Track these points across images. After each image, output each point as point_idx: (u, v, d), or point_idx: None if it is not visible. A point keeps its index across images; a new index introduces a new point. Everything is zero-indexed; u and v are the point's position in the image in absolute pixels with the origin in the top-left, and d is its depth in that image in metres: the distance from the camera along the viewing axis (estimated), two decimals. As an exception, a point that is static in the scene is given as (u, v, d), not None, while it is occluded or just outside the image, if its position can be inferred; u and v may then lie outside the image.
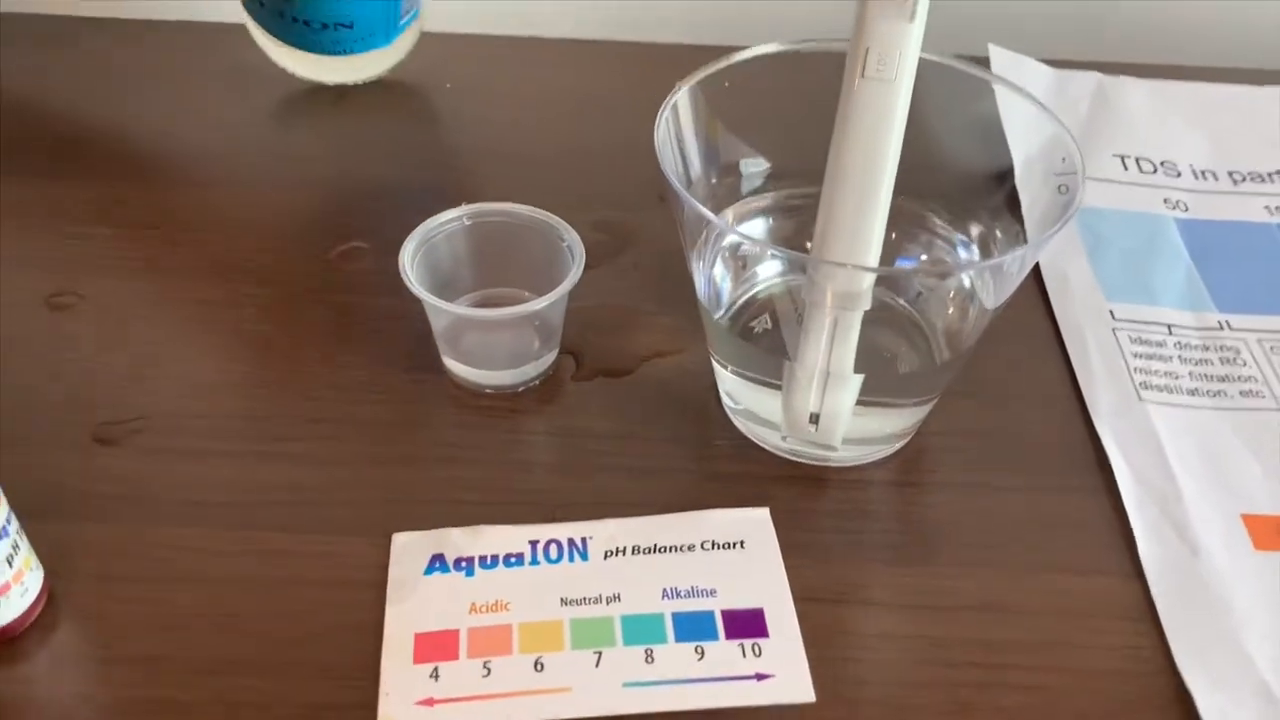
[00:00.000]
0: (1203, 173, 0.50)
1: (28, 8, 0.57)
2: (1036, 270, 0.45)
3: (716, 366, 0.39)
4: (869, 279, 0.34)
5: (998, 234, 0.39)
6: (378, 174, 0.49)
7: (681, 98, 0.37)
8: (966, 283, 0.40)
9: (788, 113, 0.39)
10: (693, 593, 0.34)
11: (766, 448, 0.39)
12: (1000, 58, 0.54)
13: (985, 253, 0.40)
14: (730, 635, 0.33)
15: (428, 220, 0.40)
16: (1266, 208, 0.49)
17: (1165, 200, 0.49)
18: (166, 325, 0.42)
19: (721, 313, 0.39)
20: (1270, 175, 0.50)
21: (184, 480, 0.37)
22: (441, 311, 0.38)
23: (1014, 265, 0.36)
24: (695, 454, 0.39)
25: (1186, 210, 0.48)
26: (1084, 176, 0.35)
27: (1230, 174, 0.50)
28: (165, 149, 0.50)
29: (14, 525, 0.32)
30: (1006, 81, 0.38)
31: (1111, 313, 0.43)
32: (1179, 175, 0.50)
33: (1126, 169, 0.50)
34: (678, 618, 0.33)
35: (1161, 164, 0.50)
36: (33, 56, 0.55)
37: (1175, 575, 0.35)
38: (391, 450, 0.38)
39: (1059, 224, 0.34)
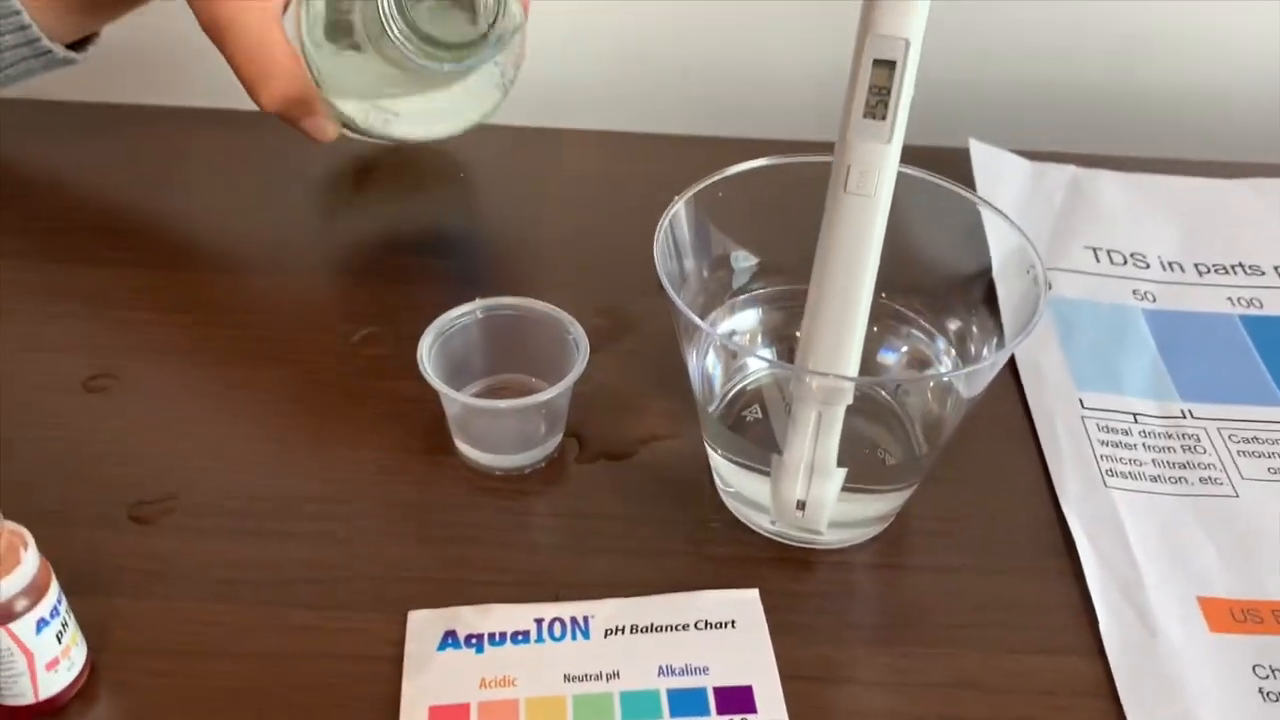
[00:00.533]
0: (1170, 264, 0.53)
1: (70, 95, 0.61)
2: (1011, 360, 0.48)
3: (709, 451, 0.42)
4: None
5: (974, 329, 0.43)
6: (396, 261, 0.52)
7: (679, 209, 0.40)
8: (944, 377, 0.43)
9: (776, 216, 0.43)
10: (687, 670, 0.36)
11: (756, 529, 0.41)
12: (980, 152, 0.57)
13: (962, 346, 0.43)
14: (721, 711, 0.35)
15: (444, 314, 0.43)
16: (1229, 299, 0.52)
17: (1134, 291, 0.52)
18: (197, 407, 0.45)
19: (714, 405, 0.42)
20: (1233, 267, 0.53)
21: (214, 558, 0.40)
22: (455, 401, 0.41)
23: (986, 366, 0.39)
24: (690, 535, 0.42)
25: (1154, 301, 0.51)
26: (1046, 290, 0.38)
27: (1196, 265, 0.53)
28: (200, 236, 0.54)
29: (64, 604, 0.34)
30: (983, 200, 0.41)
31: (1081, 401, 0.46)
32: (1148, 267, 0.53)
33: (1098, 260, 0.53)
34: (673, 694, 0.36)
35: (1131, 255, 0.54)
36: (75, 144, 0.58)
37: (1135, 656, 0.37)
38: (408, 530, 0.41)
39: (1026, 330, 0.37)
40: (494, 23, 0.44)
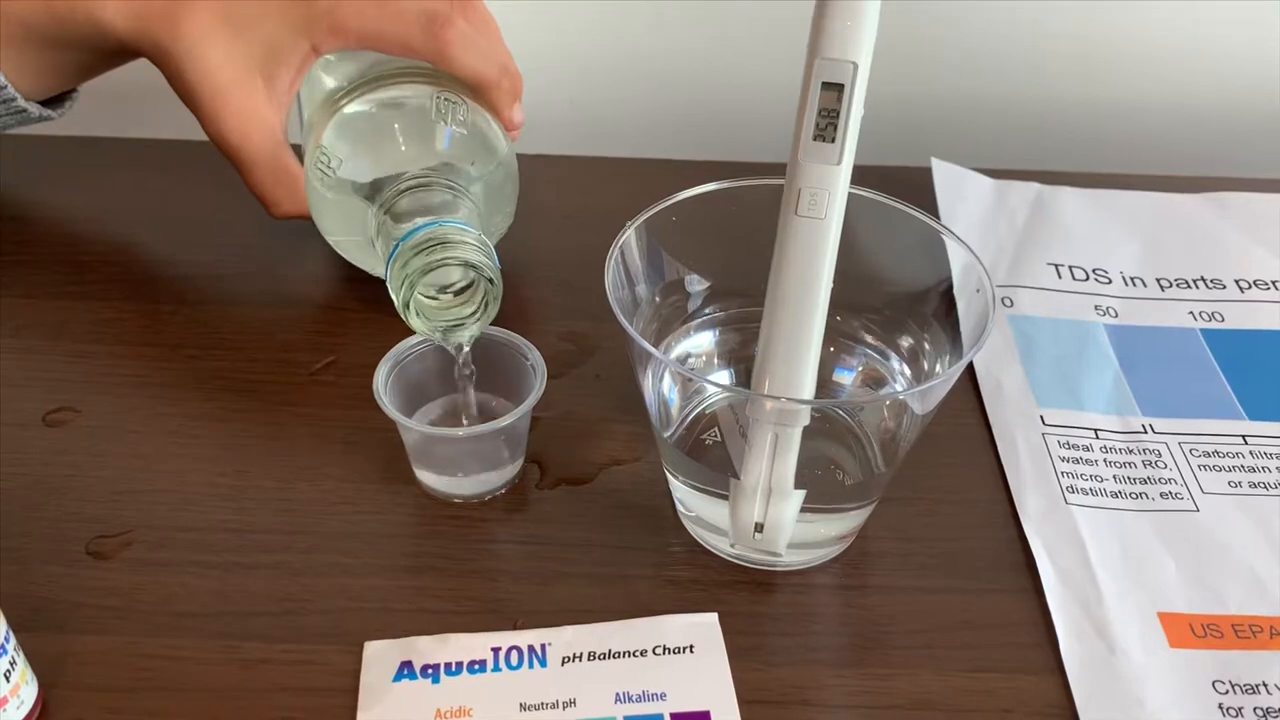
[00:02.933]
0: (1132, 279, 0.54)
1: (28, 129, 0.61)
2: (973, 377, 0.48)
3: (669, 476, 0.42)
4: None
5: (926, 345, 0.43)
6: (357, 290, 0.52)
7: (629, 236, 0.40)
8: (899, 395, 0.43)
9: (730, 239, 0.43)
10: (644, 696, 0.36)
11: (717, 553, 0.41)
12: (942, 170, 0.58)
13: (915, 363, 0.43)
14: (678, 737, 0.35)
15: (400, 343, 0.43)
16: (1190, 313, 0.52)
17: (1096, 307, 0.52)
18: (157, 440, 0.45)
19: (671, 431, 0.42)
20: (1195, 281, 0.54)
21: (171, 592, 0.40)
22: (412, 430, 0.41)
23: (940, 383, 0.39)
24: (651, 560, 0.41)
25: (1116, 316, 0.51)
26: (994, 307, 0.38)
27: (1158, 280, 0.54)
28: (160, 268, 0.53)
29: (12, 642, 0.34)
30: (932, 218, 0.41)
31: (1042, 418, 0.46)
32: (1110, 282, 0.53)
33: (1060, 277, 0.53)
34: (630, 720, 0.36)
35: (1094, 271, 0.54)
36: (35, 178, 0.58)
37: (1094, 673, 0.37)
38: (365, 560, 0.41)
39: (975, 346, 0.37)
40: (485, 307, 0.44)
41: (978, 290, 0.38)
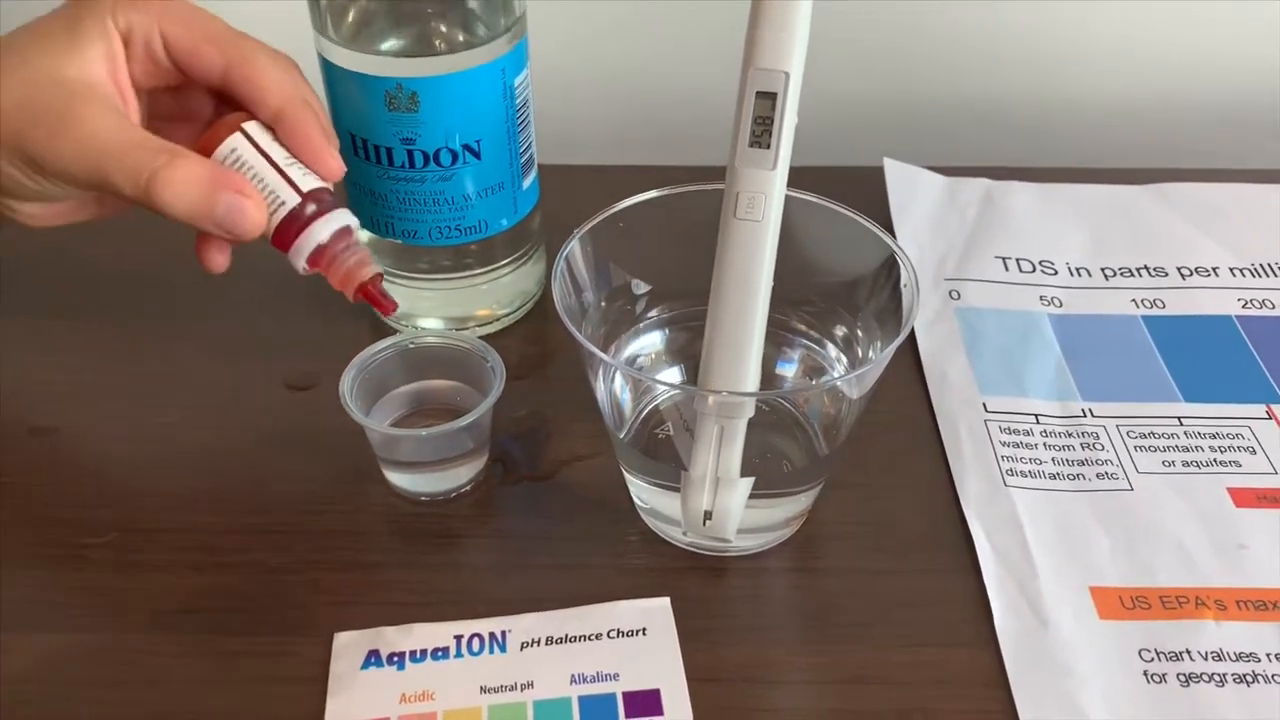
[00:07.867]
0: (1078, 270, 0.56)
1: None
2: (920, 369, 0.50)
3: (625, 473, 0.44)
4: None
5: (859, 333, 0.44)
6: (328, 300, 0.54)
7: (574, 246, 0.42)
8: (835, 381, 0.45)
9: (676, 243, 0.44)
10: (598, 677, 0.38)
11: (672, 541, 0.43)
12: (894, 169, 0.60)
13: (849, 350, 0.45)
14: (629, 714, 0.37)
15: (364, 350, 0.45)
16: (1133, 300, 0.54)
17: (1041, 298, 0.54)
18: (139, 448, 0.47)
19: (624, 430, 0.44)
20: (1138, 270, 0.55)
21: (152, 591, 0.42)
22: (378, 432, 0.43)
23: (871, 369, 0.41)
24: (609, 549, 0.43)
25: (1060, 306, 0.53)
26: (918, 299, 0.40)
27: (1103, 270, 0.56)
28: (137, 282, 0.56)
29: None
30: (861, 216, 0.43)
31: (984, 405, 0.48)
32: (1056, 273, 0.55)
33: (1007, 269, 0.55)
34: (584, 700, 0.38)
35: (1040, 263, 0.56)
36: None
37: (1026, 645, 0.39)
38: (338, 557, 0.43)
39: (900, 334, 0.39)
40: None
41: (904, 285, 0.40)
